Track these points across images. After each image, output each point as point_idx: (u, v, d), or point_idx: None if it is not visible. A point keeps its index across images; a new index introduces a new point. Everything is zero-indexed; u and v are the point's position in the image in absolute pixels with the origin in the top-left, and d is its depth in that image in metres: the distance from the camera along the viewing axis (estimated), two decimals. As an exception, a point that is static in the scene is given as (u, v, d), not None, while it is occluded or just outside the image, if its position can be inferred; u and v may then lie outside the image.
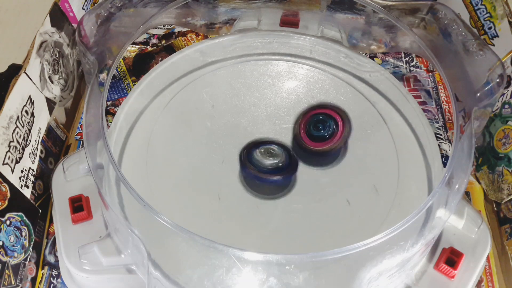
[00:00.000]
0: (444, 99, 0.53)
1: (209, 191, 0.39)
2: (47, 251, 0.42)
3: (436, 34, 0.44)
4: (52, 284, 0.41)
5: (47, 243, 0.43)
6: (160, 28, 0.58)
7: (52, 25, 0.46)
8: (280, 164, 0.39)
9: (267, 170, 0.38)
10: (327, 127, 0.40)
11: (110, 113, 0.52)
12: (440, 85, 0.54)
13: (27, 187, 0.40)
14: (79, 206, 0.39)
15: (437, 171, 0.41)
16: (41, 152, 0.44)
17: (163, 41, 0.57)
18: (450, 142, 0.50)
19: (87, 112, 0.37)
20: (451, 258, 0.37)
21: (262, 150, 0.39)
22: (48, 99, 0.45)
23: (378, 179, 0.40)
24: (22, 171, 0.40)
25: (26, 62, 0.41)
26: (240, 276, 0.33)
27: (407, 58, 0.56)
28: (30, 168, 0.41)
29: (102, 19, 0.42)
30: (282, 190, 0.40)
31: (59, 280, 0.41)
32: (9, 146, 0.38)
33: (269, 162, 0.39)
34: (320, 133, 0.40)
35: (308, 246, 0.37)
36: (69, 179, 0.41)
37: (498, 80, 0.38)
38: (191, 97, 0.45)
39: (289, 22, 0.50)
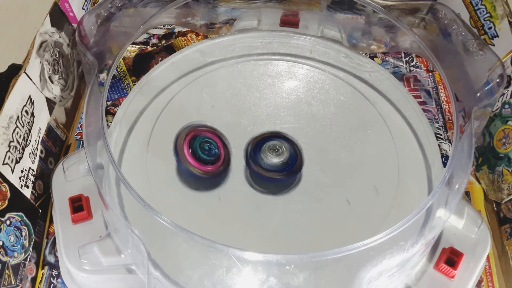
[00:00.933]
0: (444, 99, 0.53)
1: (209, 191, 0.39)
2: (47, 251, 0.42)
3: (436, 34, 0.44)
4: (52, 284, 0.41)
5: (47, 243, 0.43)
6: (160, 28, 0.58)
7: (52, 25, 0.46)
8: (285, 162, 0.39)
9: (272, 169, 0.38)
10: (212, 151, 0.39)
11: (110, 113, 0.52)
12: (440, 85, 0.54)
13: (27, 187, 0.40)
14: (79, 206, 0.39)
15: (437, 171, 0.41)
16: (41, 152, 0.44)
17: (163, 41, 0.57)
18: (450, 142, 0.50)
19: (87, 112, 0.37)
20: (451, 258, 0.37)
21: (267, 148, 0.39)
22: (48, 99, 0.45)
23: (378, 179, 0.40)
24: (22, 171, 0.40)
25: (26, 62, 0.41)
26: (240, 276, 0.33)
27: (407, 58, 0.56)
28: (30, 168, 0.41)
29: (102, 19, 0.42)
30: (283, 189, 0.40)
31: (59, 280, 0.41)
32: (9, 146, 0.38)
33: (274, 160, 0.39)
34: (206, 157, 0.39)
35: (308, 246, 0.37)
36: (69, 179, 0.41)
37: (498, 80, 0.38)
38: (191, 97, 0.45)
39: (289, 22, 0.50)
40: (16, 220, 0.38)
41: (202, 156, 0.39)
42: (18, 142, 0.40)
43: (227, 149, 0.40)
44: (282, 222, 0.38)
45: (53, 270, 0.42)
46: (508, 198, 0.43)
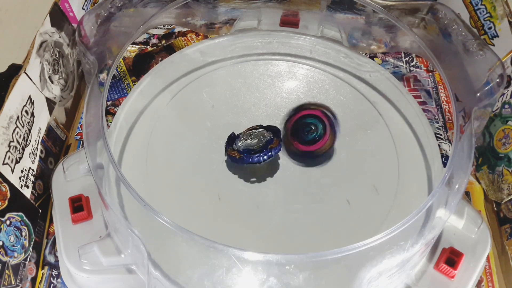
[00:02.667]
0: (444, 99, 0.53)
1: (209, 191, 0.39)
2: (47, 251, 0.42)
3: (436, 34, 0.44)
4: (52, 284, 0.41)
5: (47, 243, 0.43)
6: (160, 28, 0.58)
7: (52, 25, 0.46)
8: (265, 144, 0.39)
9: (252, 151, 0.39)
10: (315, 131, 0.40)
11: (110, 113, 0.52)
12: (440, 85, 0.54)
13: (27, 187, 0.40)
14: (79, 206, 0.39)
15: (437, 171, 0.41)
16: (41, 152, 0.44)
17: (163, 41, 0.57)
18: (450, 142, 0.50)
19: (87, 112, 0.37)
20: (451, 258, 0.37)
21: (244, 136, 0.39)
22: (48, 99, 0.45)
23: (378, 179, 0.40)
24: (22, 171, 0.40)
25: (26, 62, 0.41)
26: (240, 276, 0.33)
27: (407, 58, 0.56)
28: (30, 168, 0.41)
29: (102, 19, 0.42)
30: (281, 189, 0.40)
31: (59, 280, 0.41)
32: (9, 146, 0.38)
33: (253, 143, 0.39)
34: (309, 137, 0.40)
35: (308, 246, 0.37)
36: (69, 179, 0.41)
37: (498, 80, 0.38)
38: (191, 97, 0.45)
39: (289, 22, 0.50)
40: (16, 220, 0.38)
41: (302, 136, 0.40)
42: (18, 142, 0.40)
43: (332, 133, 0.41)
44: (282, 222, 0.38)
45: (53, 270, 0.42)
46: (508, 198, 0.43)
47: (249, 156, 0.38)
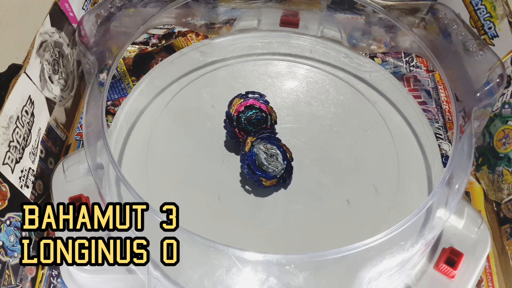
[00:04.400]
0: (444, 99, 0.53)
1: (209, 191, 0.39)
2: (47, 251, 0.42)
3: (436, 34, 0.44)
4: (52, 284, 0.41)
5: (47, 243, 0.43)
6: (160, 28, 0.58)
7: (52, 25, 0.46)
8: (278, 174, 0.39)
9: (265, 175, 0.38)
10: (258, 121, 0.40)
11: (110, 113, 0.52)
12: (440, 85, 0.54)
13: (27, 187, 0.40)
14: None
15: (437, 171, 0.41)
16: (41, 152, 0.44)
17: (163, 41, 0.57)
18: (450, 142, 0.50)
19: (87, 112, 0.37)
20: (451, 258, 0.37)
21: (267, 151, 0.39)
22: (48, 99, 0.45)
23: (378, 179, 0.40)
24: (22, 171, 0.40)
25: (26, 62, 0.41)
26: (240, 276, 0.33)
27: (407, 58, 0.56)
28: (30, 168, 0.41)
29: (102, 19, 0.42)
30: (281, 189, 0.40)
31: (59, 280, 0.41)
32: (9, 146, 0.38)
33: (270, 168, 0.38)
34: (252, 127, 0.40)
35: (308, 246, 0.37)
36: (69, 179, 0.41)
37: (498, 80, 0.38)
38: (191, 97, 0.45)
39: (289, 22, 0.50)
40: (16, 220, 0.38)
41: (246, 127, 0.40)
42: (18, 142, 0.40)
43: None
44: (282, 222, 0.38)
45: (53, 270, 0.42)
46: (508, 198, 0.43)
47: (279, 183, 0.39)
